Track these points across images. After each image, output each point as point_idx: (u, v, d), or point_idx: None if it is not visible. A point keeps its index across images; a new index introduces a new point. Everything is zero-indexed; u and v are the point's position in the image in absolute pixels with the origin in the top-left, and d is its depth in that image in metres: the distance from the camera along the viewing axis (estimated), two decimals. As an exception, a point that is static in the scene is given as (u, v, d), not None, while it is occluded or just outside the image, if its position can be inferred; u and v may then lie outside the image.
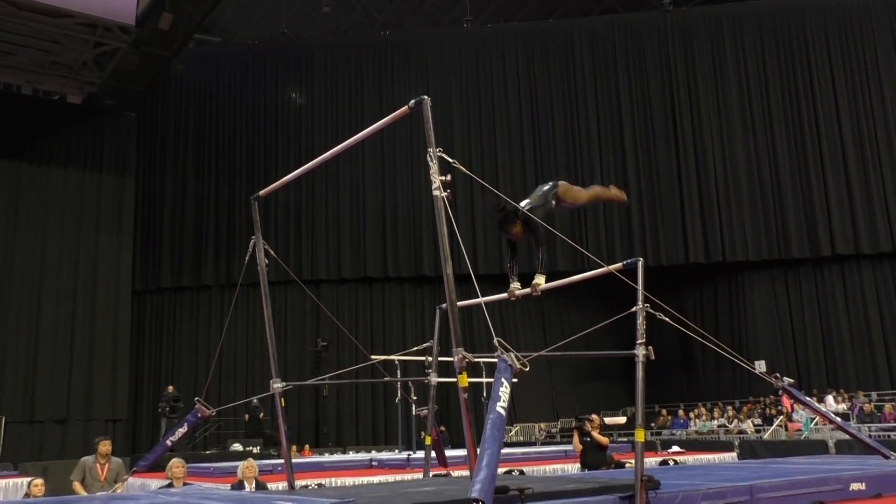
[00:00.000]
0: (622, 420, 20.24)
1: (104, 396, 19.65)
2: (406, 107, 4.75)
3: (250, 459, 8.65)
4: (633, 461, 5.26)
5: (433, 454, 8.12)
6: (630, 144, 24.06)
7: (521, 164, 24.43)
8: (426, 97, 4.62)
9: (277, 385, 6.24)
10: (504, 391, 4.06)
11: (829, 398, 18.76)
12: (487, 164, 24.07)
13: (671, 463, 11.88)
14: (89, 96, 20.15)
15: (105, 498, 5.97)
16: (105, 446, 8.65)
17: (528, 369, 4.19)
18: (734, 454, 14.31)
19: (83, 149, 20.79)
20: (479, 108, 24.82)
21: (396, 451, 16.50)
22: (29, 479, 9.35)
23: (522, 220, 5.52)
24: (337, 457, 15.74)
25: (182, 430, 7.48)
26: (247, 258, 6.36)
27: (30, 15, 16.53)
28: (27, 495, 8.62)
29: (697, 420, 20.40)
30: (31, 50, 17.89)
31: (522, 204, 5.62)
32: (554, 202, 5.83)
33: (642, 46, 24.49)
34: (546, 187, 5.91)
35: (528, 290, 5.71)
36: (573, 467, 11.14)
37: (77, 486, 8.44)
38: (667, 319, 5.52)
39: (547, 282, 5.80)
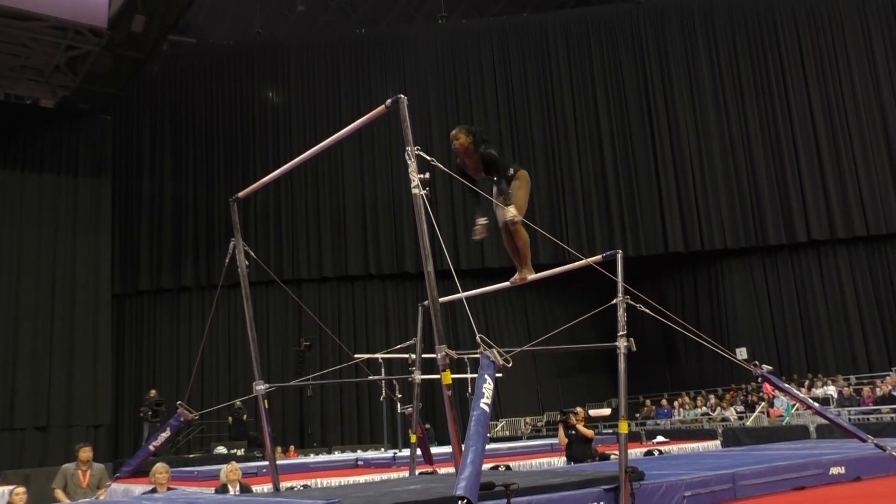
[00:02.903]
0: (607, 412, 20.34)
1: (85, 402, 19.43)
2: (383, 106, 4.75)
3: (233, 462, 8.60)
4: (618, 453, 5.30)
5: (419, 452, 8.12)
6: (607, 137, 24.17)
7: (499, 159, 24.44)
8: (402, 96, 4.62)
9: (260, 387, 6.22)
10: (487, 388, 4.07)
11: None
12: (466, 159, 24.03)
13: (656, 453, 11.98)
14: (63, 100, 19.85)
15: (89, 505, 5.92)
16: (85, 453, 8.56)
17: (510, 365, 4.20)
18: (718, 442, 14.47)
19: (58, 152, 20.46)
20: (456, 103, 24.81)
21: (382, 449, 16.51)
22: (10, 487, 9.23)
23: (477, 145, 5.91)
24: (322, 457, 15.70)
25: (165, 435, 7.41)
26: (226, 260, 6.31)
27: (-3, 19, 16.30)
28: (9, 505, 8.52)
29: (681, 409, 20.55)
30: (0, 54, 17.61)
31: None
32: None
33: (616, 39, 24.61)
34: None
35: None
36: (559, 461, 11.18)
37: (59, 493, 8.36)
38: (647, 311, 5.56)
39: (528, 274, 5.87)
